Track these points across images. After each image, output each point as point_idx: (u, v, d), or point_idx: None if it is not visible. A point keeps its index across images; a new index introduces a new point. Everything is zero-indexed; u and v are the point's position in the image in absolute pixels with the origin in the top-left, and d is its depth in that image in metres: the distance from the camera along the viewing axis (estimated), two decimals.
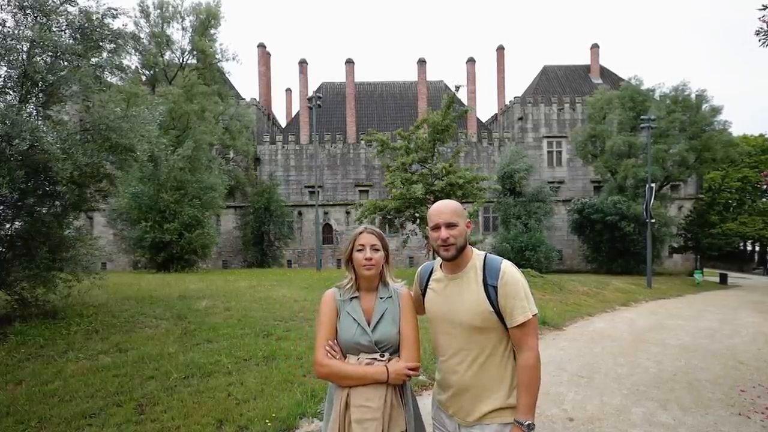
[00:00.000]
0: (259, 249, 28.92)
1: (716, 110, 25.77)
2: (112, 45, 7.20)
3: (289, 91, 43.08)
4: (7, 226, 6.96)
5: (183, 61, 27.18)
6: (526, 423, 1.74)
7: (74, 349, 5.70)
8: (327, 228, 31.74)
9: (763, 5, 5.46)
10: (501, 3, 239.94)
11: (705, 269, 30.35)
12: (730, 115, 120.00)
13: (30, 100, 6.64)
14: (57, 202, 7.27)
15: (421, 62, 33.48)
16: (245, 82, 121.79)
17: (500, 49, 34.76)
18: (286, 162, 32.32)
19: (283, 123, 40.61)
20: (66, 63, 6.57)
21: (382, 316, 1.91)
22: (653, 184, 21.40)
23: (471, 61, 33.94)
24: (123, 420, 3.85)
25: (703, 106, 26.10)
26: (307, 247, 31.45)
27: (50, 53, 6.35)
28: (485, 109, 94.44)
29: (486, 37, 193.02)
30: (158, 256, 18.38)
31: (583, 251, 28.77)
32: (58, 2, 6.60)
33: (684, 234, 30.32)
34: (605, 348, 7.88)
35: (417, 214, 17.23)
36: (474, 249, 1.97)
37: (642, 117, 22.90)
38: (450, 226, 1.85)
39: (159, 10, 25.74)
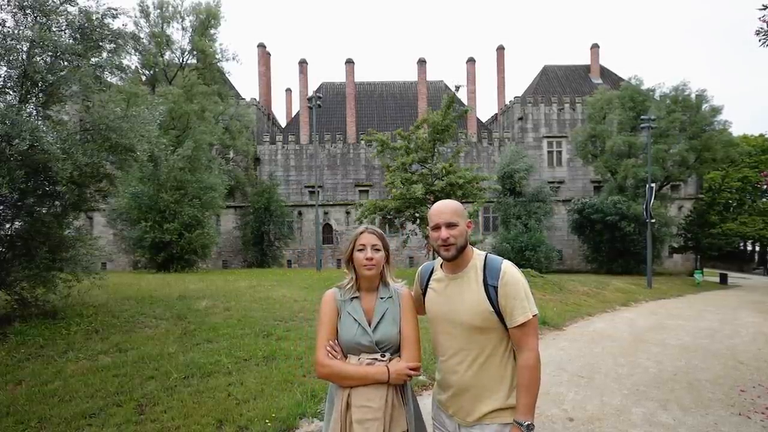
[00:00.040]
0: (259, 249, 28.91)
1: (716, 110, 25.78)
2: (112, 45, 7.20)
3: (289, 91, 43.07)
4: (7, 226, 6.96)
5: (183, 61, 27.20)
6: (526, 423, 1.74)
7: (74, 349, 5.70)
8: (327, 228, 31.74)
9: (763, 5, 5.47)
10: (501, 3, 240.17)
11: (705, 269, 30.33)
12: (730, 115, 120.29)
13: (30, 100, 6.64)
14: (57, 202, 7.27)
15: (421, 62, 33.48)
16: (245, 82, 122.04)
17: (500, 49, 34.77)
18: (286, 162, 32.31)
19: (283, 123, 40.60)
20: (66, 63, 6.57)
21: (382, 316, 1.91)
22: (653, 184, 21.40)
23: (471, 61, 33.96)
24: (123, 420, 3.85)
25: (703, 106, 26.10)
26: (307, 247, 31.45)
27: (50, 53, 6.35)
28: (485, 109, 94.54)
29: (486, 37, 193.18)
30: (158, 256, 18.39)
31: (583, 251, 28.78)
32: (58, 2, 6.59)
33: (684, 234, 30.32)
34: (605, 348, 7.88)
35: (417, 214, 17.23)
36: (474, 249, 1.97)
37: (642, 117, 22.91)
38: (450, 226, 1.85)
39: (159, 10, 25.76)
